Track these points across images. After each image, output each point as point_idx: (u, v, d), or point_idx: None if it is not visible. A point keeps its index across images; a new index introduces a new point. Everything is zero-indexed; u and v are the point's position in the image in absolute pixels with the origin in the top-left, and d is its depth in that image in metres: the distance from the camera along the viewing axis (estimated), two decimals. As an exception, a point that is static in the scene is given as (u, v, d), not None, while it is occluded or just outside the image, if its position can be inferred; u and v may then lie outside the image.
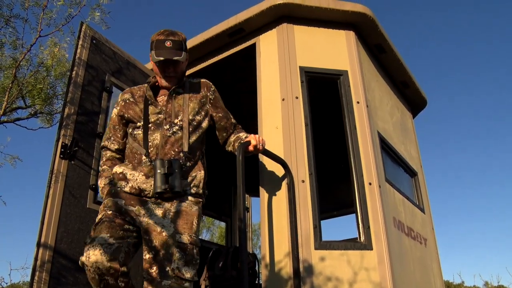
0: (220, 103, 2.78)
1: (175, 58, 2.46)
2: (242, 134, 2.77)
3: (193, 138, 2.53)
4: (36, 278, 2.84)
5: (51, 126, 9.09)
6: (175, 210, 2.35)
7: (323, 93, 3.97)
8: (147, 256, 2.26)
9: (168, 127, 2.49)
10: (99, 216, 2.34)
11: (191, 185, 2.44)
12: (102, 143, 2.73)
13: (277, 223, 3.03)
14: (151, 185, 2.37)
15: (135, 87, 2.78)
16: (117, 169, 2.50)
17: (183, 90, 2.65)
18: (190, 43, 4.12)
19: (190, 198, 2.42)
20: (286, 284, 2.84)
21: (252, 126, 4.76)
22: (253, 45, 3.87)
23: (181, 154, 2.44)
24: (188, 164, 2.46)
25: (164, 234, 2.26)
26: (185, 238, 2.27)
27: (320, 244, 2.95)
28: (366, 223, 3.11)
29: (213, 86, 2.77)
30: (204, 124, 2.64)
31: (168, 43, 2.48)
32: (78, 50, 3.47)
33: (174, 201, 2.38)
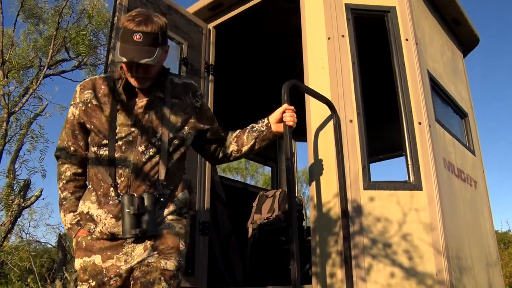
0: (206, 111, 2.26)
1: (143, 61, 1.83)
2: (252, 124, 2.33)
3: (173, 159, 2.05)
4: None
5: (96, 77, 9.25)
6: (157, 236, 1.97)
7: (370, 31, 3.82)
8: None
9: (143, 148, 1.96)
10: None
11: (175, 210, 2.05)
12: (57, 153, 2.13)
13: (325, 164, 3.00)
14: None
15: (98, 77, 2.11)
16: (82, 207, 2.03)
17: (163, 94, 2.07)
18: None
19: (171, 217, 2.02)
20: (335, 224, 2.84)
21: (295, 71, 4.67)
22: (296, -16, 3.73)
23: (157, 184, 1.97)
24: (167, 192, 2.02)
25: (147, 261, 1.91)
26: (171, 265, 1.92)
27: (369, 184, 2.91)
28: (416, 163, 3.04)
29: (199, 88, 2.24)
30: (188, 141, 2.14)
31: (137, 37, 1.83)
32: (119, -5, 3.44)
33: None
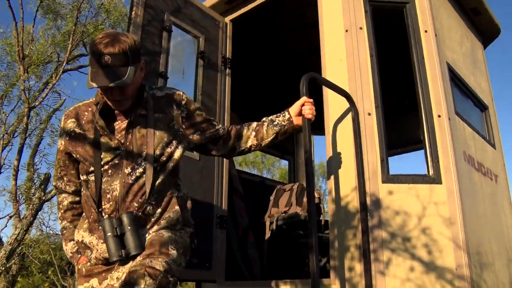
0: (196, 116, 2.14)
1: (113, 84, 1.77)
2: (270, 117, 2.27)
3: (162, 177, 1.97)
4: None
5: (113, 71, 9.33)
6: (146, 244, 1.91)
7: (388, 22, 3.78)
8: None
9: (130, 170, 1.92)
10: None
11: (165, 227, 1.96)
12: (54, 183, 2.16)
13: (343, 157, 2.98)
14: None
15: (82, 105, 2.08)
16: (77, 236, 2.03)
17: (145, 110, 2.00)
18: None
19: (162, 230, 1.95)
20: (353, 218, 2.82)
21: (313, 63, 4.65)
22: (313, -24, 3.69)
23: (146, 204, 1.92)
24: (158, 211, 1.95)
25: (133, 264, 1.83)
26: (157, 264, 1.78)
27: (388, 178, 2.89)
28: (435, 157, 3.00)
29: (184, 96, 2.12)
30: (177, 154, 2.03)
31: (105, 60, 1.77)
32: (136, -10, 3.45)
33: None
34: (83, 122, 2.01)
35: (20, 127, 8.23)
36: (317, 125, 3.10)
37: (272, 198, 4.63)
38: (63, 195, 2.13)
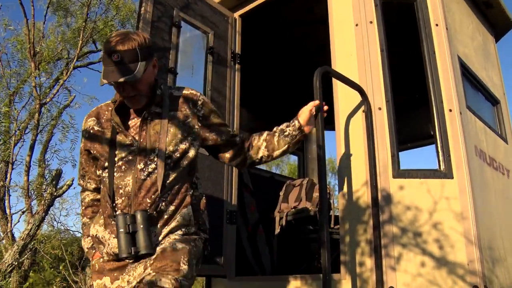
0: (212, 117, 2.15)
1: (122, 79, 1.81)
2: (280, 126, 2.28)
3: (175, 174, 1.97)
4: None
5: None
6: (157, 254, 1.89)
7: (399, 16, 3.75)
8: None
9: (142, 166, 1.93)
10: None
11: (178, 227, 1.96)
12: (78, 182, 2.24)
13: (353, 152, 2.97)
14: None
15: (104, 105, 2.14)
16: (92, 230, 2.06)
17: (160, 108, 2.02)
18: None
19: (176, 237, 1.94)
20: (364, 213, 2.81)
21: (322, 58, 4.63)
22: (322, -31, 3.67)
23: (159, 201, 1.92)
24: (171, 209, 1.95)
25: (144, 280, 1.84)
26: (167, 282, 1.77)
27: (399, 173, 2.87)
28: (447, 151, 2.98)
29: (201, 97, 2.12)
30: (191, 153, 2.04)
31: (115, 57, 1.82)
32: (145, -14, 3.45)
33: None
34: (103, 121, 2.06)
35: (31, 124, 8.30)
36: (326, 120, 3.10)
37: (281, 193, 4.63)
38: (86, 192, 2.20)
